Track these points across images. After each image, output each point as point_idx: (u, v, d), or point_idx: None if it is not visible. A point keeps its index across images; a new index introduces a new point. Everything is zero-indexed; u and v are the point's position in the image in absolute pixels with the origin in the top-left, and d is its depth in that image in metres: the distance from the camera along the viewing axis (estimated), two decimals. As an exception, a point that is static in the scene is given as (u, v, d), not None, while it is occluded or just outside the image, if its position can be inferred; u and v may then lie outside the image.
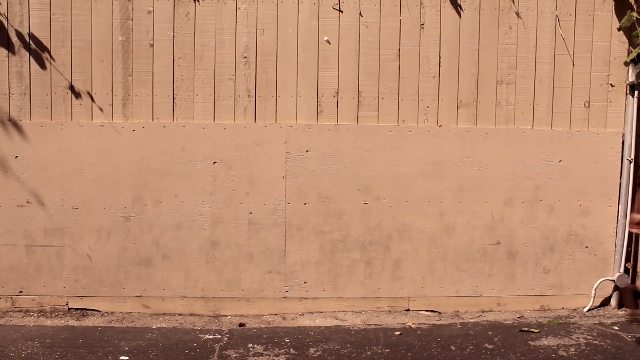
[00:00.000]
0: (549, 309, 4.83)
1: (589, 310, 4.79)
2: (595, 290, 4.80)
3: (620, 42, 4.74)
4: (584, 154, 4.78)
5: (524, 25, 4.72)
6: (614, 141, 4.78)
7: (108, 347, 4.03)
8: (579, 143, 4.77)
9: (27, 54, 4.56)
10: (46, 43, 4.56)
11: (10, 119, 4.58)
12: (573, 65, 4.76)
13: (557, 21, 4.72)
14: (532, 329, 4.38)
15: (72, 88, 4.59)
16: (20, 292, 4.66)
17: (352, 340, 4.20)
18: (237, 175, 4.63)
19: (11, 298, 4.66)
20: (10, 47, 4.55)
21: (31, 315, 4.62)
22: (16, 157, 4.58)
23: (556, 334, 4.30)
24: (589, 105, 4.78)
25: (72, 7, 4.54)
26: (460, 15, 4.69)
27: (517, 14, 4.70)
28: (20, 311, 4.65)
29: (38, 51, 4.57)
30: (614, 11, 4.71)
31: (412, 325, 4.46)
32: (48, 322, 4.50)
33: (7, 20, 4.53)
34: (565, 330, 4.37)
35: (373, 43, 4.66)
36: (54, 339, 4.15)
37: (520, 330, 4.35)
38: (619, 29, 4.70)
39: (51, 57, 4.58)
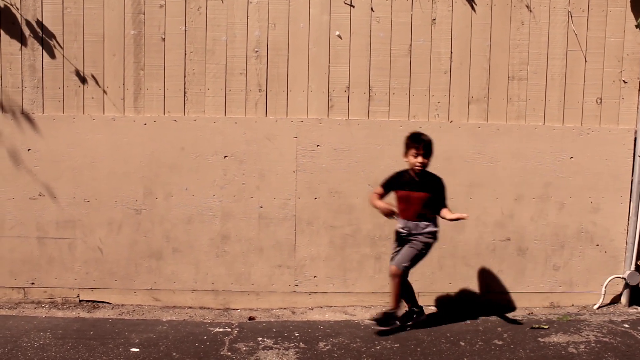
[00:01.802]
0: (558, 306, 4.82)
1: (599, 307, 4.78)
2: (605, 287, 4.79)
3: (634, 38, 4.71)
4: (596, 151, 4.76)
5: (536, 21, 4.69)
6: (626, 138, 4.76)
7: (119, 339, 4.05)
8: (591, 140, 4.75)
9: (40, 48, 4.59)
10: (59, 36, 4.59)
11: (23, 112, 4.61)
12: (585, 61, 4.73)
13: (570, 17, 4.70)
14: (541, 326, 4.37)
15: (84, 81, 4.62)
16: (32, 283, 4.70)
17: (362, 334, 4.21)
18: (248, 169, 4.65)
19: (23, 289, 4.71)
20: (23, 41, 4.58)
21: (43, 307, 4.66)
22: (29, 149, 4.62)
23: (566, 331, 4.29)
24: (601, 102, 4.76)
25: (84, 1, 4.56)
26: (472, 11, 4.67)
27: (530, 9, 4.68)
28: (32, 302, 4.70)
29: (51, 45, 4.60)
30: (629, 7, 4.67)
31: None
32: (59, 314, 4.54)
33: (20, 13, 4.55)
34: (575, 328, 4.36)
35: (384, 38, 4.65)
36: (66, 331, 4.19)
37: (531, 328, 4.34)
38: (637, 26, 4.66)
39: (63, 50, 4.60)
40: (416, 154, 4.09)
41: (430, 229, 4.17)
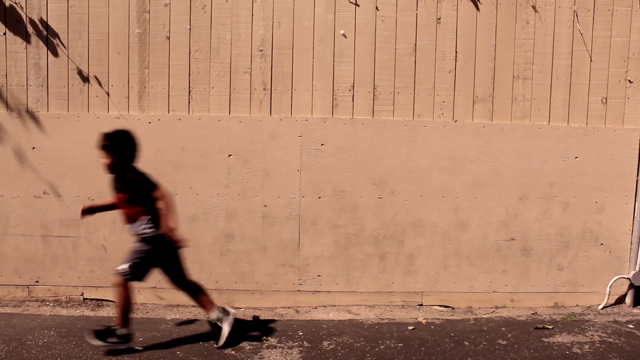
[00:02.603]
0: (562, 306, 4.81)
1: (604, 308, 4.77)
2: (610, 288, 4.77)
3: (639, 38, 4.69)
4: (601, 151, 4.74)
5: (542, 20, 4.68)
6: (631, 138, 4.74)
7: (123, 338, 4.06)
8: (596, 139, 4.74)
9: (45, 46, 4.59)
10: (63, 35, 4.59)
11: (27, 111, 4.61)
12: (591, 60, 4.72)
13: (575, 16, 4.68)
14: (546, 326, 4.36)
15: (89, 80, 4.62)
16: (37, 281, 4.71)
17: (366, 334, 4.21)
18: (252, 168, 4.64)
19: (28, 288, 4.71)
20: (28, 39, 4.58)
21: (47, 305, 4.66)
22: (33, 148, 4.62)
23: (570, 331, 4.28)
24: (606, 102, 4.74)
25: (89, 0, 4.57)
26: (477, 10, 4.66)
27: (535, 8, 4.67)
28: (37, 301, 4.70)
29: (55, 43, 4.60)
30: (635, 6, 4.65)
31: (424, 321, 4.46)
32: (64, 312, 4.55)
33: (25, 12, 4.56)
34: (580, 328, 4.35)
35: (389, 37, 4.65)
36: (70, 329, 4.19)
37: (535, 328, 4.34)
38: None
39: (68, 49, 4.61)
40: (102, 156, 3.79)
41: (145, 231, 3.81)
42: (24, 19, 4.56)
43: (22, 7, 4.55)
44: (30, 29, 4.57)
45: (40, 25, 4.58)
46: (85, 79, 4.62)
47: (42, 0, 4.55)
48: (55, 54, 4.60)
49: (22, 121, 4.61)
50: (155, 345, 3.95)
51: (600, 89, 4.74)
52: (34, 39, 4.58)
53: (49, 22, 4.58)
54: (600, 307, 4.77)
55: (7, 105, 4.61)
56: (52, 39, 4.59)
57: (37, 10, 4.56)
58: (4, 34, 4.56)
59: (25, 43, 4.58)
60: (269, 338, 4.11)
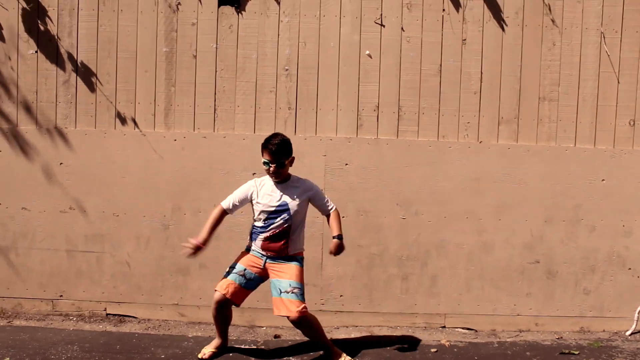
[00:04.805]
0: (588, 331, 4.72)
1: (632, 334, 4.66)
2: (638, 313, 4.67)
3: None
4: (628, 173, 4.68)
5: (568, 42, 4.66)
6: (660, 161, 4.68)
7: (145, 354, 4.07)
8: (623, 162, 4.68)
9: (75, 64, 4.67)
10: (93, 53, 4.67)
11: (56, 127, 4.69)
12: (618, 82, 4.67)
13: (602, 38, 4.65)
14: (572, 351, 4.28)
15: (116, 97, 4.68)
16: (61, 296, 4.75)
17: (388, 355, 4.17)
18: (276, 186, 4.64)
19: (52, 302, 4.75)
20: (58, 57, 4.67)
21: (70, 320, 4.69)
22: (61, 163, 4.69)
23: (597, 357, 4.20)
24: (634, 124, 4.69)
25: (119, 19, 4.65)
26: (502, 31, 4.65)
27: (561, 30, 4.65)
28: (60, 315, 4.73)
29: (85, 61, 4.68)
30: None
31: (447, 344, 4.40)
32: (87, 327, 4.57)
33: (57, 31, 4.65)
34: (607, 354, 4.26)
35: (414, 58, 4.65)
36: (93, 344, 4.21)
37: (561, 353, 4.26)
38: None
39: (97, 67, 4.68)
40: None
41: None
42: (55, 38, 4.65)
43: (54, 26, 4.64)
44: (61, 48, 4.66)
45: (70, 44, 4.66)
46: (112, 96, 4.68)
47: (74, 20, 4.64)
48: (84, 72, 4.67)
49: (50, 137, 4.68)
50: (178, 363, 3.95)
51: (628, 110, 4.69)
52: (64, 57, 4.67)
53: (79, 41, 4.66)
54: (628, 333, 4.67)
55: (37, 122, 4.69)
56: (81, 57, 4.67)
57: (67, 28, 4.65)
58: (36, 51, 4.65)
59: (56, 61, 4.67)
60: (291, 358, 4.08)
